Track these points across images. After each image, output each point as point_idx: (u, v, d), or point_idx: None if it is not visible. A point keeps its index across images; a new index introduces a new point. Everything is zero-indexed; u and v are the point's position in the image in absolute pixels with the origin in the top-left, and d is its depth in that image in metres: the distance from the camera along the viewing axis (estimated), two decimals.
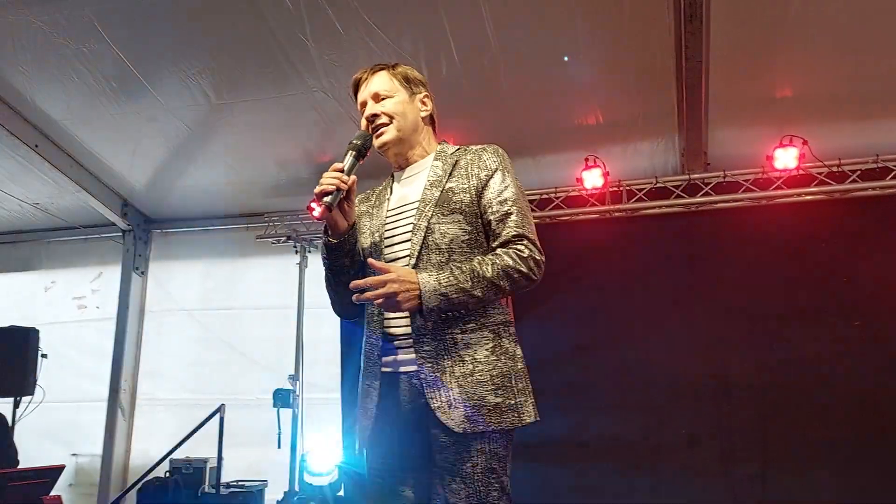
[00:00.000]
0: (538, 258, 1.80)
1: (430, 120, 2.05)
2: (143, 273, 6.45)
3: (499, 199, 1.83)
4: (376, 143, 1.94)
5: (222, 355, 6.12)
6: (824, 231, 5.01)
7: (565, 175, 5.39)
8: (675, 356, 5.19)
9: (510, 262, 1.74)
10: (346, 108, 4.92)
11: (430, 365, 1.67)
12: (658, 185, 5.31)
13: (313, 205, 5.63)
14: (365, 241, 1.89)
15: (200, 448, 5.26)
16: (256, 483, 5.52)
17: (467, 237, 1.81)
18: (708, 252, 5.24)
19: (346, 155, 1.88)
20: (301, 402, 5.84)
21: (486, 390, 1.66)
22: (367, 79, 2.00)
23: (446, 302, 1.66)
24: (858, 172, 4.93)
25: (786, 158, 4.84)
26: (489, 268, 1.72)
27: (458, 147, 1.99)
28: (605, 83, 4.69)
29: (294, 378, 5.81)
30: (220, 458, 4.73)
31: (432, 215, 1.81)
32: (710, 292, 5.18)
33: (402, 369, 1.74)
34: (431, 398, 1.65)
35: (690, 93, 4.63)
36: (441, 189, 1.85)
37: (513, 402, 1.69)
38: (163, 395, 6.24)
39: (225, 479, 5.39)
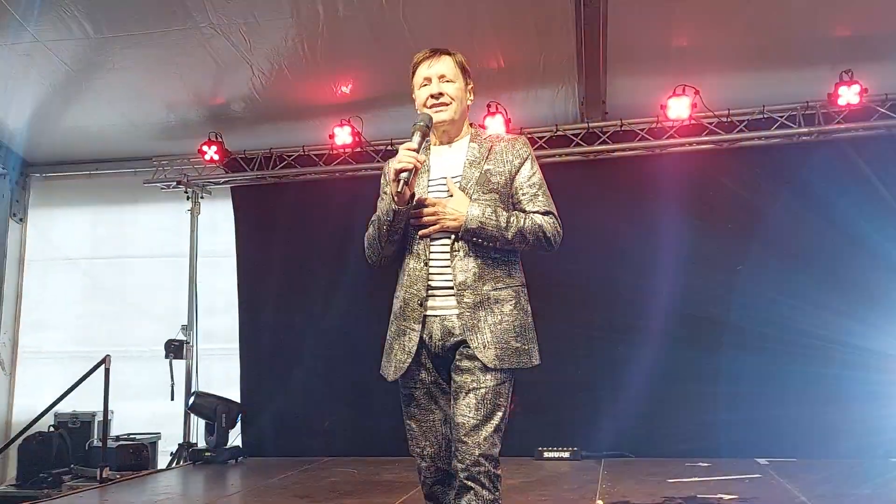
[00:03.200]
0: (560, 232, 2.21)
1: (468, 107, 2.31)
2: (21, 220, 6.05)
3: (528, 182, 2.17)
4: (436, 118, 2.14)
5: (112, 306, 5.87)
6: (714, 179, 5.18)
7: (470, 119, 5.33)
8: (571, 302, 5.31)
9: (542, 224, 2.14)
10: (241, 49, 4.69)
11: (468, 313, 2.04)
12: (559, 133, 5.35)
13: (206, 148, 5.40)
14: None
15: (90, 402, 5.06)
16: (148, 436, 5.37)
17: None
18: (605, 199, 5.33)
19: (413, 135, 2.08)
20: (195, 352, 5.67)
21: (510, 336, 2.05)
22: (432, 59, 2.20)
23: (481, 230, 2.06)
24: (746, 122, 5.09)
25: (679, 108, 4.94)
26: (525, 221, 2.12)
27: (489, 133, 2.31)
28: (507, 26, 4.63)
29: (187, 328, 5.63)
30: (106, 411, 4.56)
31: (473, 192, 2.12)
32: (609, 239, 5.29)
33: (440, 314, 2.08)
34: (471, 339, 2.02)
35: (590, 40, 4.65)
36: (480, 170, 2.15)
37: (527, 347, 2.09)
38: (48, 347, 5.94)
39: (116, 432, 5.22)
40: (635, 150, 5.27)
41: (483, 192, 2.11)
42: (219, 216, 5.90)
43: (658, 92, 5.03)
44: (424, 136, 2.10)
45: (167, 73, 4.97)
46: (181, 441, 5.46)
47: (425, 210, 2.09)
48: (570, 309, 5.29)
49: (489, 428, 2.00)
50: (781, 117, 5.05)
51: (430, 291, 2.08)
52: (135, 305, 5.84)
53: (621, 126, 5.25)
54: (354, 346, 5.49)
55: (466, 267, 2.07)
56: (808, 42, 4.71)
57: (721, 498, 3.75)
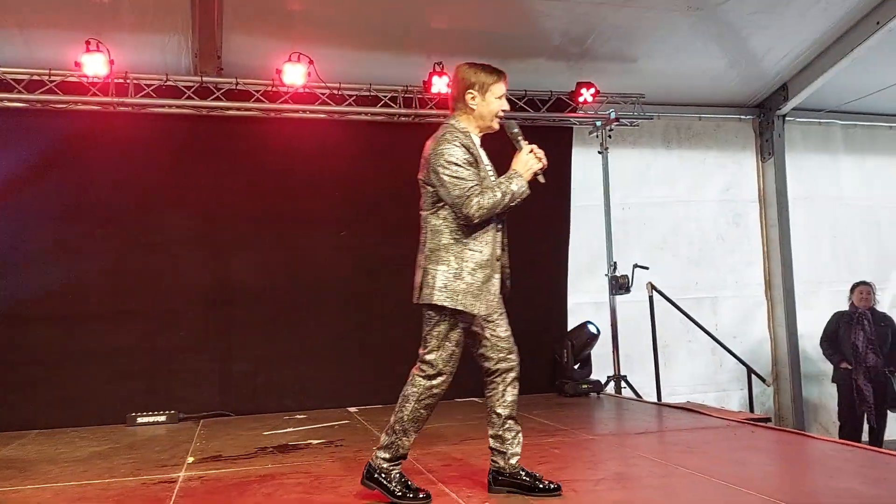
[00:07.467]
0: None
1: None
2: None
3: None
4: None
5: None
6: (324, 148, 5.43)
7: (63, 56, 4.75)
8: (179, 259, 5.15)
9: None
10: None
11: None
12: (169, 83, 5.06)
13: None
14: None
15: None
16: None
17: None
18: (217, 157, 5.27)
19: (522, 140, 2.78)
20: None
21: None
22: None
23: None
24: (354, 97, 5.43)
25: (293, 74, 5.05)
26: None
27: None
28: None
29: None
30: None
31: None
32: (218, 197, 5.23)
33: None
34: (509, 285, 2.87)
35: None
36: None
37: None
38: None
39: None
40: (250, 112, 5.26)
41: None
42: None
43: (275, 56, 5.08)
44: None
45: None
46: None
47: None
48: (176, 267, 5.15)
49: None
50: (385, 97, 5.50)
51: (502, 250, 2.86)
52: None
53: (237, 85, 5.17)
54: None
55: None
56: (409, 29, 5.21)
57: (310, 443, 4.03)
